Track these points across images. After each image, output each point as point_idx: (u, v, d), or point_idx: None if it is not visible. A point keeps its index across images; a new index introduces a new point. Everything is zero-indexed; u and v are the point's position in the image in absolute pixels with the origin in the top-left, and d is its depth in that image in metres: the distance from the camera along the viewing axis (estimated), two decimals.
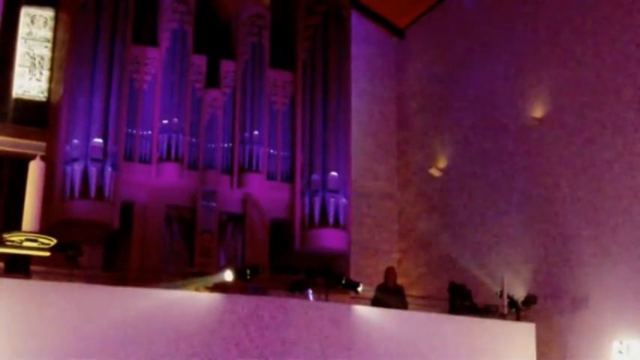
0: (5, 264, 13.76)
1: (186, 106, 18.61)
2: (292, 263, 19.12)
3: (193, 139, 18.68)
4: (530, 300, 17.21)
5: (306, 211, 19.02)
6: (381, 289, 17.26)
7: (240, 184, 18.88)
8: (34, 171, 13.50)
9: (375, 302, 16.75)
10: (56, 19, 19.80)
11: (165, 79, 18.64)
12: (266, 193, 19.12)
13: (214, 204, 18.57)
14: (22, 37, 19.73)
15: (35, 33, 19.85)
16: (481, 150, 20.08)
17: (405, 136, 22.73)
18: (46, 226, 15.27)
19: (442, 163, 21.24)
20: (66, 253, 14.68)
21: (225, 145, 19.05)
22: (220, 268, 16.80)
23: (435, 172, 21.23)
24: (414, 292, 19.71)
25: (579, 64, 17.91)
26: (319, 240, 18.92)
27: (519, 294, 17.46)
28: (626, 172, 16.57)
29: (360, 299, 16.89)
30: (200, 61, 19.18)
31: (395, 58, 23.48)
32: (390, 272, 17.73)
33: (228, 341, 14.59)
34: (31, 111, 19.36)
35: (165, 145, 18.28)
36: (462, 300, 17.13)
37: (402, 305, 17.05)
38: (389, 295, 17.00)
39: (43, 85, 19.63)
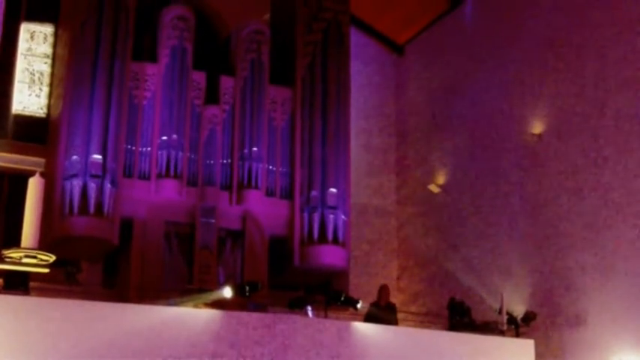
0: (4, 280, 13.73)
1: (185, 123, 18.62)
2: (291, 280, 19.13)
3: (192, 156, 18.69)
4: (529, 317, 17.21)
5: (305, 227, 19.01)
6: (374, 306, 17.24)
7: (239, 201, 18.88)
8: (34, 187, 13.47)
9: (368, 318, 16.75)
10: (56, 35, 19.83)
11: (165, 95, 18.65)
12: (265, 210, 19.10)
13: (213, 220, 18.55)
14: (22, 53, 19.76)
15: (35, 49, 19.88)
16: (480, 166, 20.10)
17: (404, 153, 22.75)
18: (45, 243, 15.23)
19: (441, 179, 21.26)
20: (65, 270, 14.68)
21: (225, 161, 19.06)
22: (219, 285, 16.82)
23: (434, 188, 21.25)
24: (413, 309, 19.71)
25: (579, 80, 17.95)
26: (318, 256, 18.90)
27: (518, 311, 17.46)
28: (626, 190, 16.59)
29: (359, 316, 16.87)
30: (199, 78, 19.21)
31: (394, 74, 23.52)
32: (382, 291, 17.67)
33: (227, 357, 14.56)
34: (31, 127, 19.37)
35: (164, 162, 18.28)
36: (461, 317, 17.12)
37: (393, 322, 17.00)
38: (380, 312, 16.98)
39: (43, 101, 19.65)
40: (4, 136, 19.09)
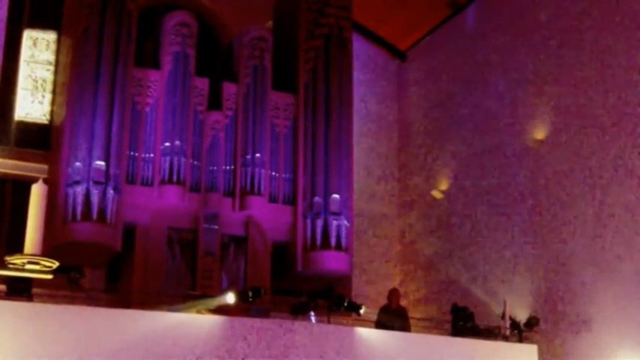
0: (7, 286, 13.74)
1: (188, 129, 18.61)
2: (294, 285, 19.11)
3: (195, 162, 18.68)
4: (532, 322, 17.19)
5: (308, 233, 19.01)
6: (385, 310, 17.29)
7: (242, 207, 18.87)
8: (37, 194, 13.49)
9: (379, 325, 16.77)
10: (58, 41, 19.86)
11: (168, 101, 18.65)
12: (268, 216, 19.09)
13: (216, 226, 18.56)
14: (25, 60, 19.79)
15: (37, 56, 19.91)
16: (483, 172, 20.10)
17: (407, 159, 22.75)
18: (48, 249, 15.25)
19: (444, 185, 21.26)
20: (68, 276, 14.66)
21: (227, 167, 19.05)
22: (222, 291, 16.82)
23: (436, 194, 21.25)
24: (416, 314, 19.68)
25: (581, 85, 17.96)
26: (321, 262, 18.90)
27: (521, 315, 17.44)
28: (629, 194, 16.58)
29: (362, 321, 16.86)
30: (202, 84, 19.19)
31: (396, 80, 23.53)
32: (393, 294, 17.77)
33: None
34: (34, 134, 19.40)
35: (167, 168, 18.27)
36: (464, 322, 17.10)
37: (405, 327, 17.03)
38: (392, 317, 17.01)
39: (46, 107, 19.68)
40: (7, 143, 19.12)
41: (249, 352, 14.69)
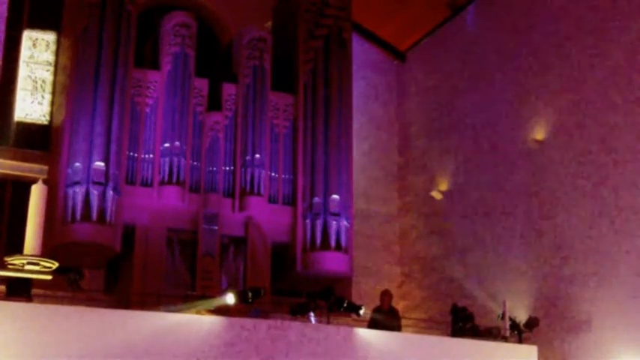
0: (7, 287, 13.73)
1: (187, 130, 18.61)
2: (294, 286, 19.12)
3: (195, 163, 18.68)
4: (532, 322, 17.20)
5: (308, 234, 19.00)
6: (377, 311, 17.30)
7: (241, 208, 18.86)
8: (36, 194, 13.45)
9: (372, 325, 16.78)
10: (58, 42, 19.86)
11: (167, 102, 18.65)
12: (268, 216, 19.09)
13: (216, 227, 18.56)
14: (24, 61, 19.80)
15: (37, 56, 19.92)
16: (482, 172, 20.10)
17: (407, 159, 22.75)
18: (47, 250, 15.25)
19: (443, 185, 21.26)
20: (68, 276, 14.67)
21: (227, 168, 19.04)
22: (222, 291, 16.81)
23: (436, 195, 21.25)
24: (415, 315, 19.69)
25: (580, 86, 17.96)
26: (321, 263, 18.88)
27: (521, 316, 17.45)
28: (628, 195, 16.59)
29: (362, 322, 16.86)
30: (202, 85, 19.19)
31: (396, 81, 23.53)
32: (384, 295, 17.72)
33: None
34: (33, 134, 19.41)
35: (166, 169, 18.27)
36: (463, 323, 17.11)
37: (396, 327, 17.02)
38: (384, 317, 17.01)
39: (45, 108, 19.69)
40: (6, 144, 19.13)
41: (248, 352, 14.70)
